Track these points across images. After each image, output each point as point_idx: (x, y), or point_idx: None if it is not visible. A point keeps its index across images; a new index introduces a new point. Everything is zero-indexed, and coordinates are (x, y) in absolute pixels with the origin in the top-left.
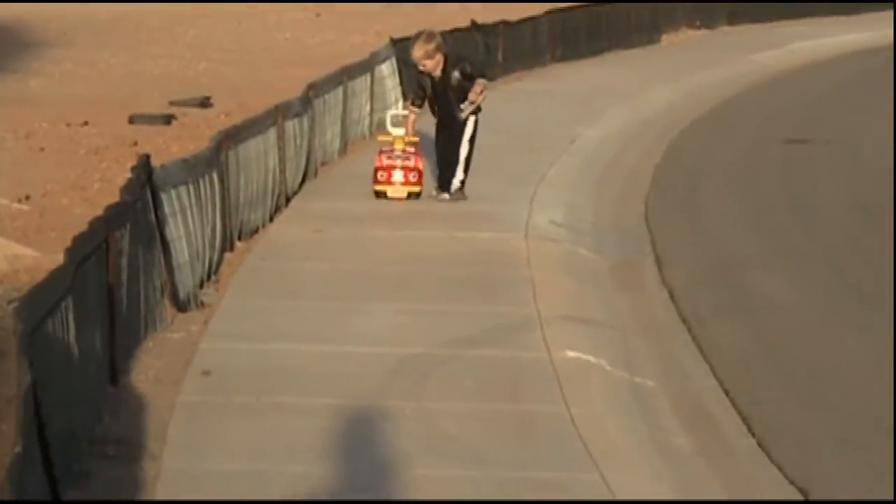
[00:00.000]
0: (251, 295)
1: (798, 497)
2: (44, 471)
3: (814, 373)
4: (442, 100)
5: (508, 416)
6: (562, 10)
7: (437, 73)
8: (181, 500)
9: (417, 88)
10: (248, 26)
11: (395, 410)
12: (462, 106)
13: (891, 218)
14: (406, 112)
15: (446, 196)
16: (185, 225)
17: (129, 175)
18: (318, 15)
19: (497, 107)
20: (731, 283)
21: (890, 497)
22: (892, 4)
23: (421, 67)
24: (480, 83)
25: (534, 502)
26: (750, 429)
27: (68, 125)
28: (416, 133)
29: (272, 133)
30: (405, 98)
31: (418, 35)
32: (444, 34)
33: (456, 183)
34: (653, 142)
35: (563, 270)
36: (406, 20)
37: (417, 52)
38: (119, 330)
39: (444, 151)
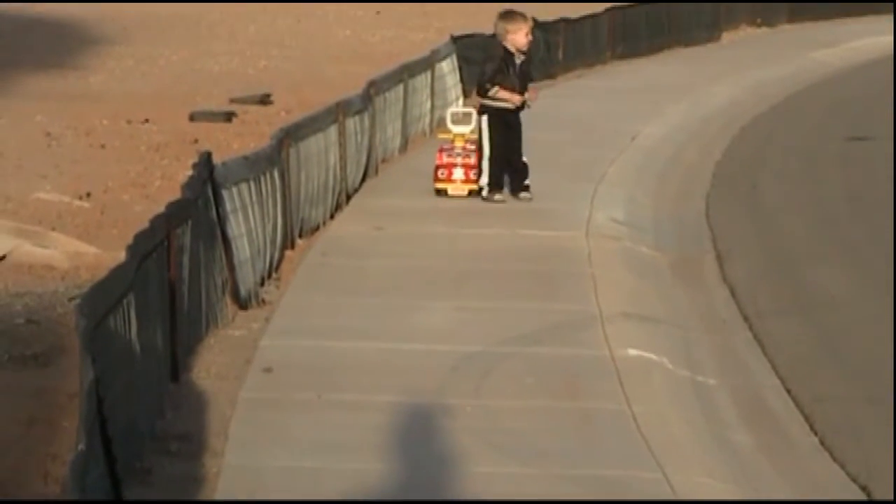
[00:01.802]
0: (312, 292)
1: (862, 497)
2: (106, 467)
3: (876, 369)
4: (515, 84)
5: (569, 414)
6: (622, 7)
7: (521, 57)
8: (238, 500)
9: (497, 71)
10: (308, 23)
11: (456, 407)
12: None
13: None
14: (468, 109)
15: (529, 196)
16: (247, 222)
17: (190, 172)
18: (378, 12)
19: (558, 104)
20: (793, 279)
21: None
22: None
23: (525, 40)
24: (534, 87)
25: (590, 502)
26: (812, 427)
27: (129, 122)
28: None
29: (333, 130)
30: (465, 95)
31: (517, 13)
32: None
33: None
34: (713, 139)
35: (624, 267)
36: (466, 18)
37: (528, 26)
38: (180, 327)
39: (509, 152)
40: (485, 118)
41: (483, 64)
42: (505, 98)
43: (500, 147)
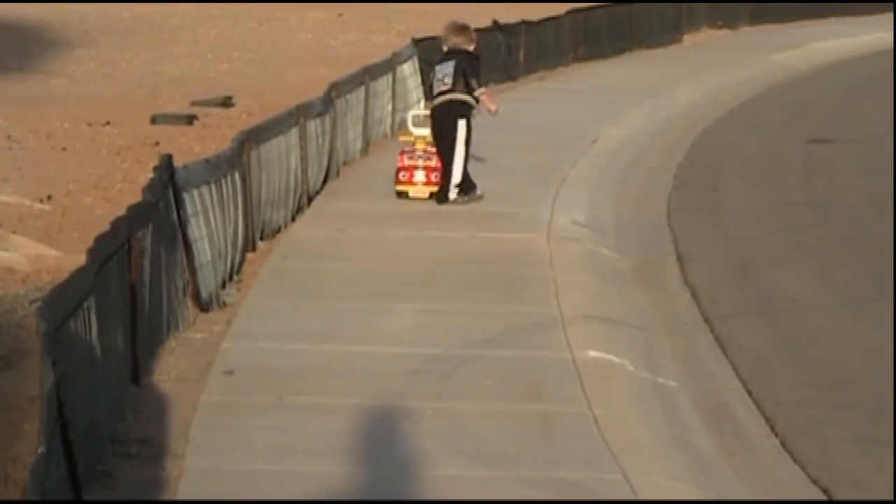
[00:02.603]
0: (273, 295)
1: (821, 497)
2: (66, 470)
3: (837, 371)
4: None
5: (531, 417)
6: (584, 9)
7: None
8: (202, 500)
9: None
10: (269, 26)
11: (417, 410)
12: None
13: None
14: (427, 112)
15: (481, 194)
16: (208, 225)
17: (151, 175)
18: (339, 15)
19: (519, 107)
20: (754, 282)
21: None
22: None
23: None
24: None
25: (552, 502)
26: (773, 428)
27: (90, 125)
28: None
29: (294, 133)
30: (426, 98)
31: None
32: None
33: None
34: (675, 141)
35: (586, 270)
36: (428, 21)
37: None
38: (141, 330)
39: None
40: (463, 121)
41: (474, 67)
42: (486, 99)
43: (469, 149)
